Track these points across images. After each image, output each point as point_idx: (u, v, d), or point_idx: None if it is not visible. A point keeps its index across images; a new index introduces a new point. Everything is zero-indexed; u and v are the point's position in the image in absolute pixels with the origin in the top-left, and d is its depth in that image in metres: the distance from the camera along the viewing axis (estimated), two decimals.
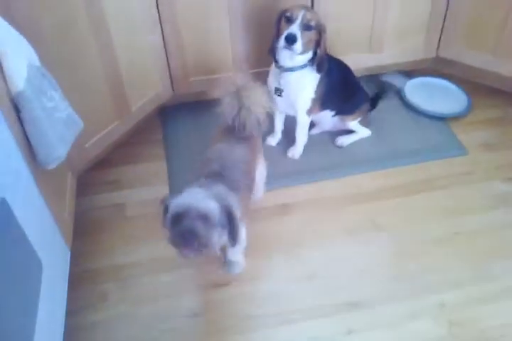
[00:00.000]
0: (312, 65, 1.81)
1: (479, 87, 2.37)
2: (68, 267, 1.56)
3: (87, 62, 1.71)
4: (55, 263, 1.44)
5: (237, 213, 1.37)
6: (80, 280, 1.66)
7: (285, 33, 1.67)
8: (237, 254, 1.67)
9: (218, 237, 1.33)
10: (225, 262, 1.70)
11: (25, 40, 1.32)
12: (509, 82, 2.26)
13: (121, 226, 1.83)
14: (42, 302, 1.24)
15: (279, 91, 1.88)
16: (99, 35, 1.70)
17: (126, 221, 1.85)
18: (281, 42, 1.68)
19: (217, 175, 1.46)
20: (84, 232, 1.81)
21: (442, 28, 2.23)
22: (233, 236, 1.38)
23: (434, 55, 2.34)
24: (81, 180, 1.94)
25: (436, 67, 2.48)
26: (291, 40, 1.66)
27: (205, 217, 1.29)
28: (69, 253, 1.58)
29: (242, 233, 1.57)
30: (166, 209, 1.34)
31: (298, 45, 1.68)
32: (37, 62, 1.37)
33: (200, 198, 1.31)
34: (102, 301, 1.62)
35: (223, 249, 1.64)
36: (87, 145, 1.84)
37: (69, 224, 1.63)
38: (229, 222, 1.35)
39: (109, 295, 1.63)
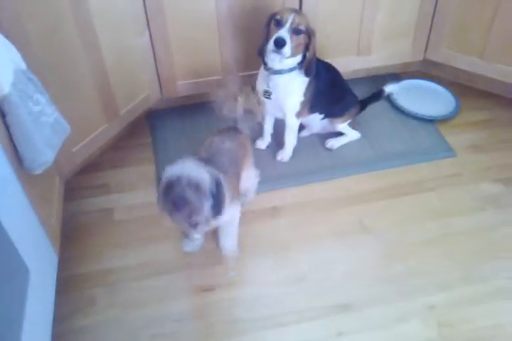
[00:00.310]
0: (301, 68, 1.81)
1: (467, 89, 2.39)
2: (56, 272, 1.54)
3: (74, 66, 1.71)
4: (43, 268, 1.43)
5: (225, 186, 1.42)
6: (68, 285, 1.65)
7: (274, 37, 1.67)
8: (230, 238, 1.70)
9: (208, 206, 1.38)
10: (220, 246, 1.74)
11: (10, 43, 1.31)
12: (496, 84, 2.28)
13: (109, 231, 1.82)
14: (28, 309, 1.23)
15: (267, 93, 1.88)
16: (86, 38, 1.70)
17: (114, 225, 1.84)
18: (271, 45, 1.68)
19: (206, 160, 1.50)
20: (73, 237, 1.80)
21: (430, 31, 2.25)
22: (218, 206, 1.41)
23: (422, 57, 2.35)
24: (69, 184, 1.93)
25: (425, 70, 2.49)
26: (280, 44, 1.66)
27: (196, 186, 1.33)
28: (56, 258, 1.57)
29: (236, 214, 1.62)
30: (159, 179, 1.39)
31: (287, 49, 1.68)
32: (23, 65, 1.36)
33: (192, 168, 1.36)
34: (90, 306, 1.60)
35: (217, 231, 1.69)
36: (74, 150, 1.84)
37: (56, 229, 1.62)
38: (216, 191, 1.39)
39: (97, 300, 1.62)
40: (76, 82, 1.74)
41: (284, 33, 1.67)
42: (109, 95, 1.89)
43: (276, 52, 1.69)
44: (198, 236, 1.72)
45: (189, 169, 1.35)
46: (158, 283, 1.66)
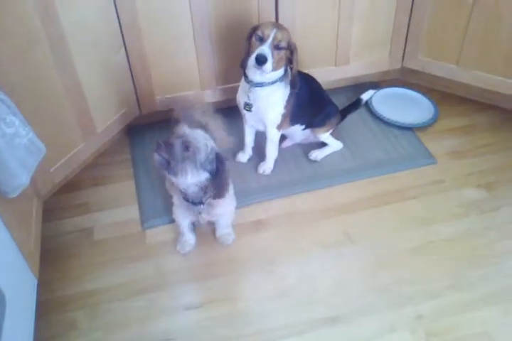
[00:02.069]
0: (282, 81, 1.81)
1: (445, 96, 2.41)
2: (35, 296, 1.51)
3: (48, 85, 1.68)
4: (20, 293, 1.39)
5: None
6: (49, 309, 1.61)
7: (255, 53, 1.65)
8: (226, 228, 1.77)
9: (195, 171, 1.44)
10: (218, 237, 1.80)
11: None
12: (473, 90, 2.30)
13: (89, 251, 1.79)
14: (5, 335, 1.19)
15: (248, 106, 1.88)
16: (60, 56, 1.67)
17: (94, 245, 1.80)
18: (252, 61, 1.67)
19: None
20: (52, 258, 1.76)
21: (406, 40, 2.27)
22: (220, 186, 1.50)
23: (399, 66, 2.37)
24: (47, 204, 1.89)
25: (403, 78, 2.51)
26: (261, 60, 1.65)
27: (192, 145, 1.42)
28: (36, 281, 1.53)
29: (231, 206, 1.70)
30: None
31: (268, 65, 1.67)
32: None
33: (200, 134, 1.46)
34: (71, 330, 1.56)
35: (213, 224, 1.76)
36: (52, 170, 1.81)
37: (35, 252, 1.58)
38: (218, 169, 1.47)
39: (78, 323, 1.58)
40: (51, 100, 1.71)
41: (265, 49, 1.65)
42: (85, 113, 1.87)
43: (257, 68, 1.68)
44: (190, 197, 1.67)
45: (196, 133, 1.45)
46: (140, 303, 1.63)
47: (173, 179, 1.48)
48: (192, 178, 1.46)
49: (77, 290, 1.67)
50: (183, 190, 1.55)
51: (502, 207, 1.91)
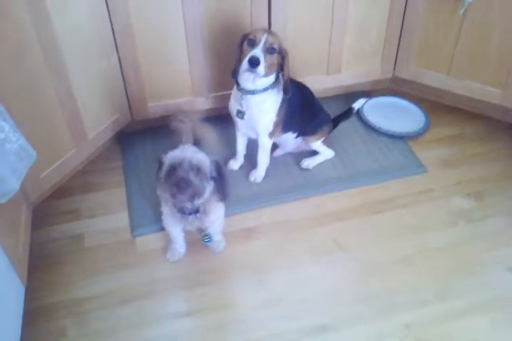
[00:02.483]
0: (273, 88, 1.81)
1: (436, 106, 2.43)
2: (23, 304, 1.49)
3: (40, 90, 1.68)
4: (8, 302, 1.38)
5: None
6: (37, 317, 1.60)
7: (248, 56, 1.67)
8: (217, 235, 1.78)
9: (208, 187, 1.49)
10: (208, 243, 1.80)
11: None
12: (463, 99, 2.32)
13: (79, 258, 1.77)
14: None
15: (240, 113, 1.88)
16: (52, 62, 1.67)
17: (84, 252, 1.79)
18: (245, 64, 1.68)
19: None
20: (41, 266, 1.74)
21: (398, 50, 2.29)
22: (223, 189, 1.53)
23: (391, 75, 2.39)
24: (37, 210, 1.88)
25: (395, 87, 2.53)
26: (254, 62, 1.66)
27: (197, 168, 1.44)
28: (23, 289, 1.51)
29: (221, 212, 1.71)
30: (160, 165, 1.49)
31: (261, 68, 1.68)
32: None
33: (193, 152, 1.47)
34: (60, 338, 1.55)
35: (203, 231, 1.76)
36: (42, 175, 1.80)
37: (23, 259, 1.57)
38: (219, 175, 1.51)
39: (67, 331, 1.57)
40: (42, 106, 1.71)
41: (258, 52, 1.67)
42: (77, 119, 1.86)
43: (250, 71, 1.69)
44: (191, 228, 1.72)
45: (191, 153, 1.46)
46: (129, 311, 1.62)
47: (188, 203, 1.50)
48: (206, 194, 1.49)
49: (66, 297, 1.66)
50: (187, 205, 1.55)
51: (490, 216, 1.92)
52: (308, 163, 2.12)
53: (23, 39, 1.56)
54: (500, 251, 1.80)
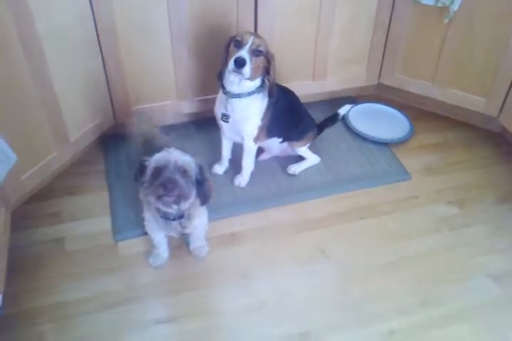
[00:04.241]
0: (259, 92, 1.81)
1: (421, 113, 2.45)
2: None
3: (21, 91, 1.65)
4: None
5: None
6: (15, 322, 1.56)
7: (234, 57, 1.67)
8: (200, 240, 1.77)
9: (194, 190, 1.48)
10: (191, 249, 1.80)
11: None
12: (446, 106, 2.35)
13: (59, 263, 1.74)
14: None
15: (225, 117, 1.87)
16: (34, 62, 1.65)
17: (65, 256, 1.76)
18: (231, 65, 1.68)
19: None
20: (20, 270, 1.71)
21: (383, 57, 2.31)
22: (205, 193, 1.52)
23: (376, 82, 2.40)
24: (17, 213, 1.85)
25: (380, 93, 2.54)
26: (240, 63, 1.66)
27: (183, 170, 1.44)
28: (0, 294, 1.48)
29: (204, 218, 1.70)
30: (141, 168, 1.47)
31: (247, 69, 1.68)
32: None
33: (178, 154, 1.46)
34: None
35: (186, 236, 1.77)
36: (23, 178, 1.77)
37: (1, 263, 1.53)
38: (202, 178, 1.50)
39: (46, 337, 1.53)
40: (23, 107, 1.68)
41: (244, 53, 1.67)
42: (58, 121, 1.83)
43: (236, 71, 1.68)
44: (175, 235, 1.71)
45: (176, 155, 1.45)
46: (112, 317, 1.59)
47: (174, 206, 1.48)
48: (192, 198, 1.48)
49: (45, 302, 1.62)
50: (171, 211, 1.53)
51: (473, 223, 1.94)
52: (295, 168, 2.12)
53: (4, 38, 1.53)
54: (482, 259, 1.81)
